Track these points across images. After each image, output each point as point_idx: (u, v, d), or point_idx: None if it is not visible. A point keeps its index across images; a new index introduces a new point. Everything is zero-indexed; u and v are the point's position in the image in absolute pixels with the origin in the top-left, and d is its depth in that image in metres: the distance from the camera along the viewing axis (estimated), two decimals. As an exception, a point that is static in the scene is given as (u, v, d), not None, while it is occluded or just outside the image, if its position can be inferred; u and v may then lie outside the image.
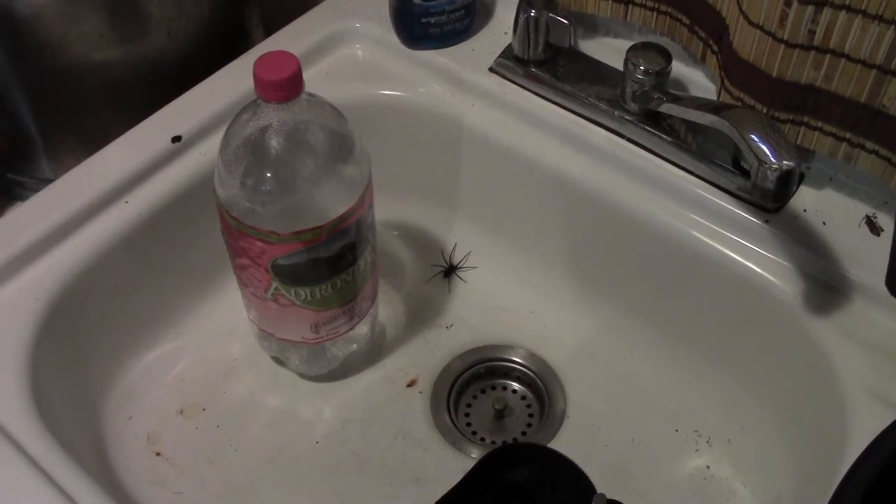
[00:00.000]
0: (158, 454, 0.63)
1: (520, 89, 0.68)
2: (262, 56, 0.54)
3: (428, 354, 0.69)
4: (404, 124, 0.71)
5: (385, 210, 0.71)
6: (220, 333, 0.68)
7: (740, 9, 0.58)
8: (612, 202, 0.65)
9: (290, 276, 0.59)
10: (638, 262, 0.66)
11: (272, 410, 0.66)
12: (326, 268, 0.59)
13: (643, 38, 0.67)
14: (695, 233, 0.62)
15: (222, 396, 0.66)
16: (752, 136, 0.51)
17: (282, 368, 0.68)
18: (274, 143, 0.55)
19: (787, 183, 0.51)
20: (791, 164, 0.50)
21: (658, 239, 0.64)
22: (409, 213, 0.75)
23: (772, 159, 0.50)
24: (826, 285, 0.59)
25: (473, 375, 0.69)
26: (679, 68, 0.67)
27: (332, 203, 0.57)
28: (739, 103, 0.60)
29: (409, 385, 0.68)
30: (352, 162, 0.58)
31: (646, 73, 0.62)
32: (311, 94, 0.56)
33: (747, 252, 0.61)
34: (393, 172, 0.71)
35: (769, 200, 0.51)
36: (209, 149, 0.65)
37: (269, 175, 0.56)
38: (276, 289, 0.60)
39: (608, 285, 0.69)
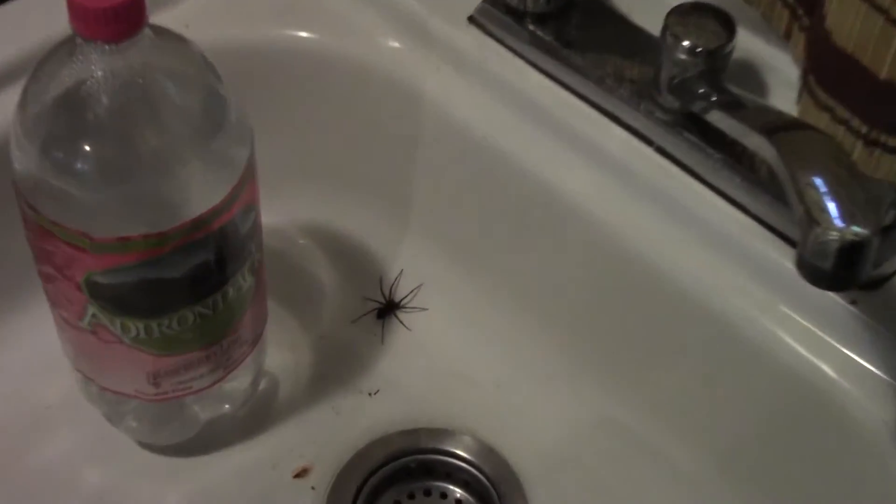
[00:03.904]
0: None
1: (508, 53, 0.66)
2: (82, -31, 0.51)
3: (334, 432, 0.66)
4: (340, 89, 0.70)
5: (302, 209, 0.71)
6: (31, 368, 0.66)
7: (841, -33, 0.53)
8: (626, 240, 0.62)
9: (114, 300, 0.54)
10: (657, 334, 0.64)
11: (91, 490, 0.63)
12: (172, 294, 0.55)
13: (703, -4, 0.64)
14: (742, 305, 0.59)
15: (22, 460, 0.63)
16: (811, 180, 0.45)
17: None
18: (97, 102, 0.51)
19: (851, 261, 0.44)
20: (863, 232, 0.44)
21: (687, 303, 0.61)
22: (338, 217, 0.74)
23: (833, 220, 0.44)
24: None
25: (397, 472, 0.65)
26: (754, 46, 0.64)
27: (185, 199, 0.53)
28: (828, 115, 0.55)
29: (298, 475, 0.64)
30: (221, 138, 0.53)
31: (692, 51, 0.58)
32: (160, 31, 0.52)
33: (819, 345, 0.57)
34: (319, 157, 0.70)
35: (823, 283, 0.44)
36: (9, 101, 0.58)
37: (86, 149, 0.51)
38: (93, 316, 0.55)
39: (611, 361, 0.67)
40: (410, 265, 0.72)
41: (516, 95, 0.65)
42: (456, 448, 0.66)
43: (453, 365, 0.69)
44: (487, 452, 0.65)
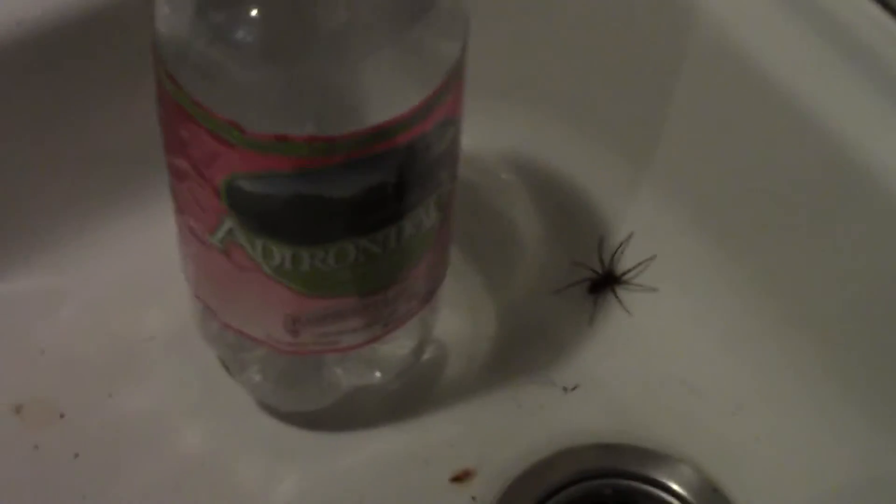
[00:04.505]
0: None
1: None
2: None
3: (512, 431, 0.64)
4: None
5: (510, 135, 0.70)
6: (137, 286, 0.66)
7: None
8: None
9: (259, 215, 0.53)
10: None
11: (189, 452, 0.62)
12: (334, 219, 0.54)
13: None
14: None
15: (105, 401, 0.63)
16: None
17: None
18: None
19: None
20: None
21: None
22: (555, 152, 0.72)
23: None
24: None
25: (586, 497, 0.63)
26: None
27: (367, 100, 0.52)
28: None
29: (457, 479, 0.63)
30: (426, 24, 0.52)
31: None
32: None
33: None
34: (542, 70, 0.69)
35: None
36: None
37: (253, 13, 0.50)
38: (229, 232, 0.54)
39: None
40: (644, 229, 0.70)
41: (833, 27, 0.62)
42: (669, 479, 0.63)
43: (682, 370, 0.66)
44: (710, 493, 0.63)
